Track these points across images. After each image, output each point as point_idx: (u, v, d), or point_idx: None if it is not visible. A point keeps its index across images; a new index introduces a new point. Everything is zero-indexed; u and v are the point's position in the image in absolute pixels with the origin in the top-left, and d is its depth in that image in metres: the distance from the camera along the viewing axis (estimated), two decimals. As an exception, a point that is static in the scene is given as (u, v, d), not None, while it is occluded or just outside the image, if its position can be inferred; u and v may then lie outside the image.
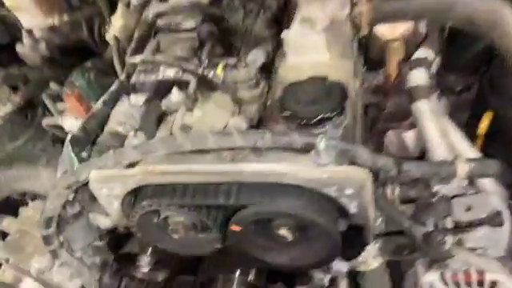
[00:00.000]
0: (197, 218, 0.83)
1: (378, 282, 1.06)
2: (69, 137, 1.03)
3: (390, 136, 1.09)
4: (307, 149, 0.78)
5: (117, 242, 1.05)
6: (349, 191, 0.75)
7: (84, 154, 1.00)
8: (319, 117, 0.81)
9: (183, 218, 0.84)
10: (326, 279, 1.08)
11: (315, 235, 0.81)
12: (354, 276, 1.09)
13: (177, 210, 0.82)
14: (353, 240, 0.84)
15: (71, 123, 1.18)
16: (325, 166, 0.75)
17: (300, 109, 0.84)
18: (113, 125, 1.06)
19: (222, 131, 0.87)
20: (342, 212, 0.79)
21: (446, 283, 0.98)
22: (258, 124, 0.98)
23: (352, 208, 0.78)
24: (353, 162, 0.78)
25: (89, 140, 1.00)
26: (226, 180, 0.80)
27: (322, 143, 0.75)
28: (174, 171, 0.81)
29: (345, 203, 0.77)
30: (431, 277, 0.98)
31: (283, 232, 0.82)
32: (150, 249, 1.04)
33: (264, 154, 0.80)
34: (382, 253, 1.00)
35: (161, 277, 1.11)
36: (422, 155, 1.12)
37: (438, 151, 0.90)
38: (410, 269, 1.06)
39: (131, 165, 0.87)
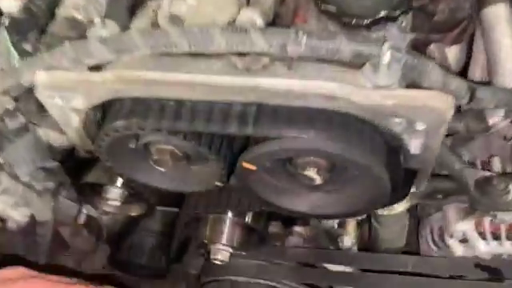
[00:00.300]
0: (194, 149, 0.60)
1: (396, 226, 0.90)
2: (4, 20, 0.73)
3: (434, 50, 0.86)
4: (356, 62, 0.54)
5: (77, 168, 0.81)
6: (420, 126, 0.53)
7: (27, 46, 0.71)
8: (379, 14, 0.57)
9: (173, 147, 0.61)
10: (336, 221, 0.91)
11: (354, 180, 0.60)
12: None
13: (166, 137, 0.58)
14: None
15: (9, 2, 0.86)
16: (387, 89, 0.52)
17: (349, 3, 0.58)
18: (68, 9, 0.76)
19: (233, 27, 0.61)
20: (394, 150, 0.58)
21: (481, 234, 0.83)
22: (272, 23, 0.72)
23: (413, 148, 0.57)
24: (414, 85, 0.55)
25: (34, 25, 0.71)
26: (239, 99, 0.56)
27: (387, 54, 0.51)
28: (163, 80, 0.56)
29: (405, 141, 0.56)
30: (465, 226, 0.82)
31: (310, 173, 0.61)
32: (121, 180, 0.81)
33: (295, 66, 0.56)
34: (413, 196, 0.82)
35: (135, 212, 0.90)
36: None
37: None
38: (431, 213, 0.91)
39: (97, 67, 0.60)
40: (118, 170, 0.69)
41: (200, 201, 0.80)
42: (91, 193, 0.86)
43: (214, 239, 0.81)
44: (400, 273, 0.85)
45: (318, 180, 0.61)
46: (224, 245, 0.81)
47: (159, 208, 1.00)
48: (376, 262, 0.88)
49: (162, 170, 0.66)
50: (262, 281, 0.90)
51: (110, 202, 0.83)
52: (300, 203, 0.66)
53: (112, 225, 1.05)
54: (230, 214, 0.81)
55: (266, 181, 0.64)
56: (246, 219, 0.81)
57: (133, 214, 0.90)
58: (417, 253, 0.93)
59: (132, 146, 0.62)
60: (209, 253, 0.83)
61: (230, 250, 0.81)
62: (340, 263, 0.88)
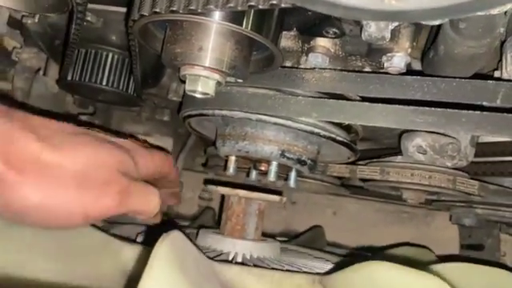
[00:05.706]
0: None
1: (486, 36, 0.56)
2: None
3: None
4: None
5: None
6: None
7: None
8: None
9: None
10: (384, 29, 0.57)
11: None
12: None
13: None
14: None
15: None
16: None
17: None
18: None
19: None
20: None
21: None
22: None
23: None
24: None
25: None
26: None
27: None
28: None
29: None
30: None
31: None
32: None
33: None
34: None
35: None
36: None
37: None
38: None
39: None
40: None
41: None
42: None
43: (190, 59, 0.49)
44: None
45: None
46: (207, 68, 0.49)
47: (111, 8, 0.65)
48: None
49: None
50: (264, 117, 0.62)
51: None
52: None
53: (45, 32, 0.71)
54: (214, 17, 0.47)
55: None
56: (244, 24, 0.48)
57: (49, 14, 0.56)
58: None
59: None
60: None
61: (217, 77, 0.50)
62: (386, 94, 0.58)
